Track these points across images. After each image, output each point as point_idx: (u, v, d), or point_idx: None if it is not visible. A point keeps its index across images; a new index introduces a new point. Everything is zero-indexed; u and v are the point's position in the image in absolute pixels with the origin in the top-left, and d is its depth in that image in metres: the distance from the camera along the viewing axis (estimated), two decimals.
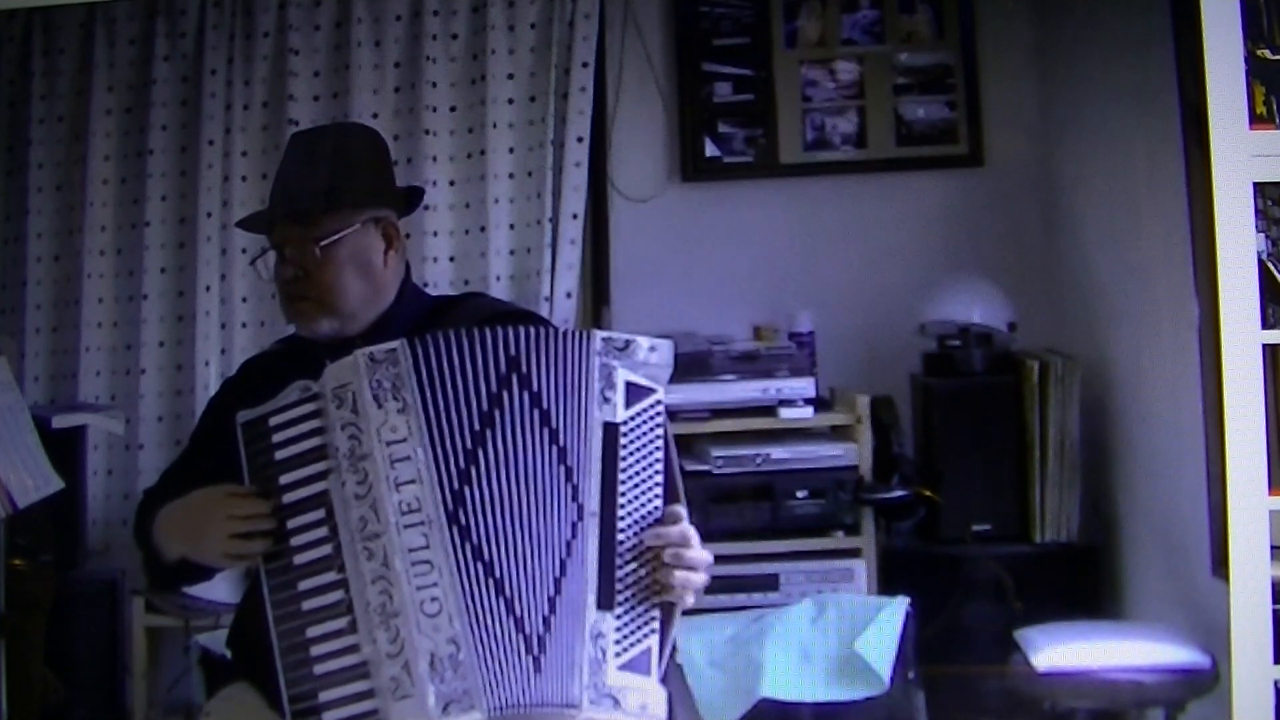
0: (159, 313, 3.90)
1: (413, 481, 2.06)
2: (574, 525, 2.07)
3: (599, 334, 2.13)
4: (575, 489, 2.08)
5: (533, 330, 2.12)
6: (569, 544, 2.07)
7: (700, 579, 2.12)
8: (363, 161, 2.43)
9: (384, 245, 2.38)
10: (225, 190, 3.89)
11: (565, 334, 2.13)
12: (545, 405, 2.09)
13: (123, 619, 3.63)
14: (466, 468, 2.07)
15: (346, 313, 2.35)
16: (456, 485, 2.06)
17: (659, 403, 2.15)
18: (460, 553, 2.04)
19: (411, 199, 2.56)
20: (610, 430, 2.10)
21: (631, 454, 2.12)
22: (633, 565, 2.10)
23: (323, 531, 2.08)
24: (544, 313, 3.77)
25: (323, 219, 2.33)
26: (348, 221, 2.35)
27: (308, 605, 2.06)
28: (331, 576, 2.07)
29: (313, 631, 2.05)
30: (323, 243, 2.32)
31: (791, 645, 3.25)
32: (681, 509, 2.14)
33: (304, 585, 2.07)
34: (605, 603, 2.07)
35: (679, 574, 2.09)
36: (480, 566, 2.04)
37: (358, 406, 2.08)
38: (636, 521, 2.11)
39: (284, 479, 2.11)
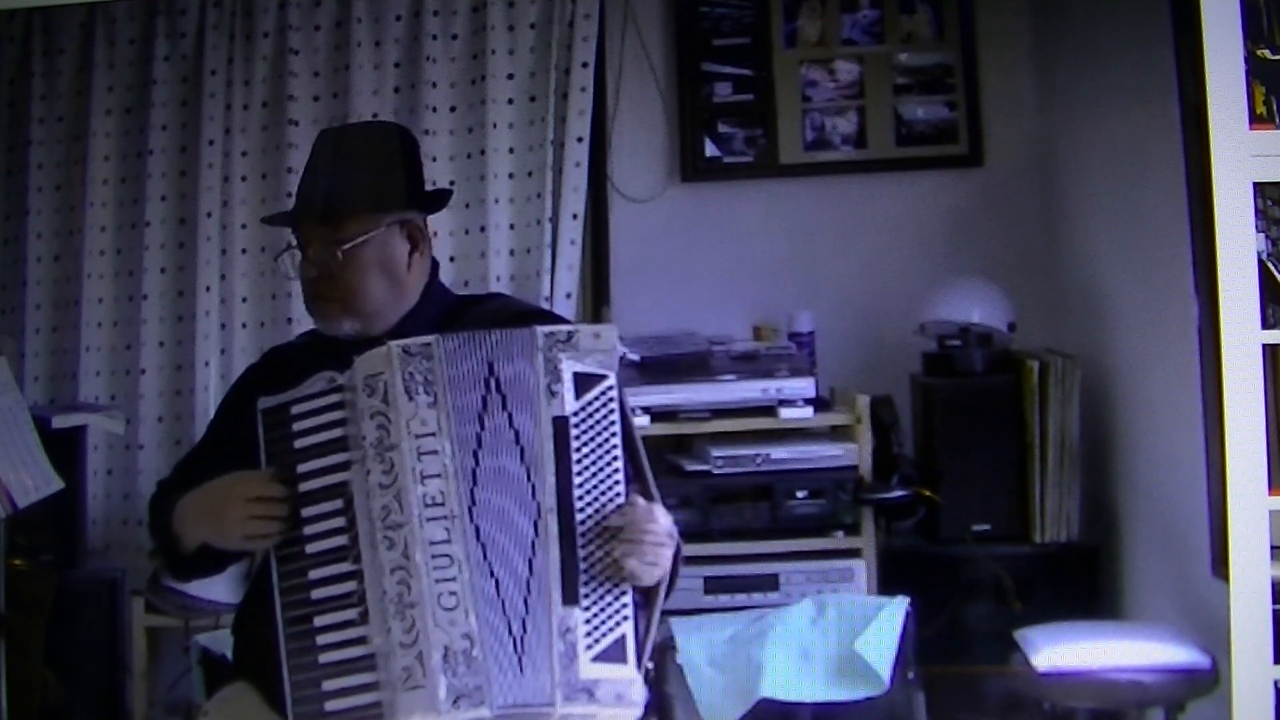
0: (159, 313, 3.90)
1: (438, 476, 2.09)
2: (535, 524, 2.10)
3: (541, 330, 2.16)
4: (534, 487, 2.11)
5: (499, 333, 2.15)
6: (533, 543, 2.10)
7: (659, 555, 2.14)
8: (391, 162, 2.42)
9: (409, 247, 2.39)
10: (225, 190, 3.89)
11: (515, 334, 2.16)
12: (509, 406, 2.13)
13: (123, 619, 3.63)
14: (475, 466, 2.09)
15: (368, 313, 2.35)
16: (472, 482, 2.09)
17: (611, 387, 2.17)
18: (476, 550, 2.05)
19: (438, 200, 2.56)
20: (560, 424, 2.13)
21: (586, 444, 2.14)
22: (596, 556, 2.12)
23: (339, 522, 2.11)
24: None
25: (347, 221, 2.34)
26: (373, 224, 2.35)
27: (318, 594, 2.09)
28: (345, 567, 2.09)
29: (321, 620, 2.08)
30: (346, 245, 2.33)
31: (791, 645, 3.25)
32: (638, 494, 2.16)
33: (315, 574, 2.10)
34: (570, 598, 2.09)
35: (631, 561, 2.11)
36: (487, 565, 2.06)
37: (389, 397, 2.10)
38: (598, 511, 2.13)
39: (302, 468, 2.14)
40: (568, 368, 2.14)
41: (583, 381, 2.15)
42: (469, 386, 2.12)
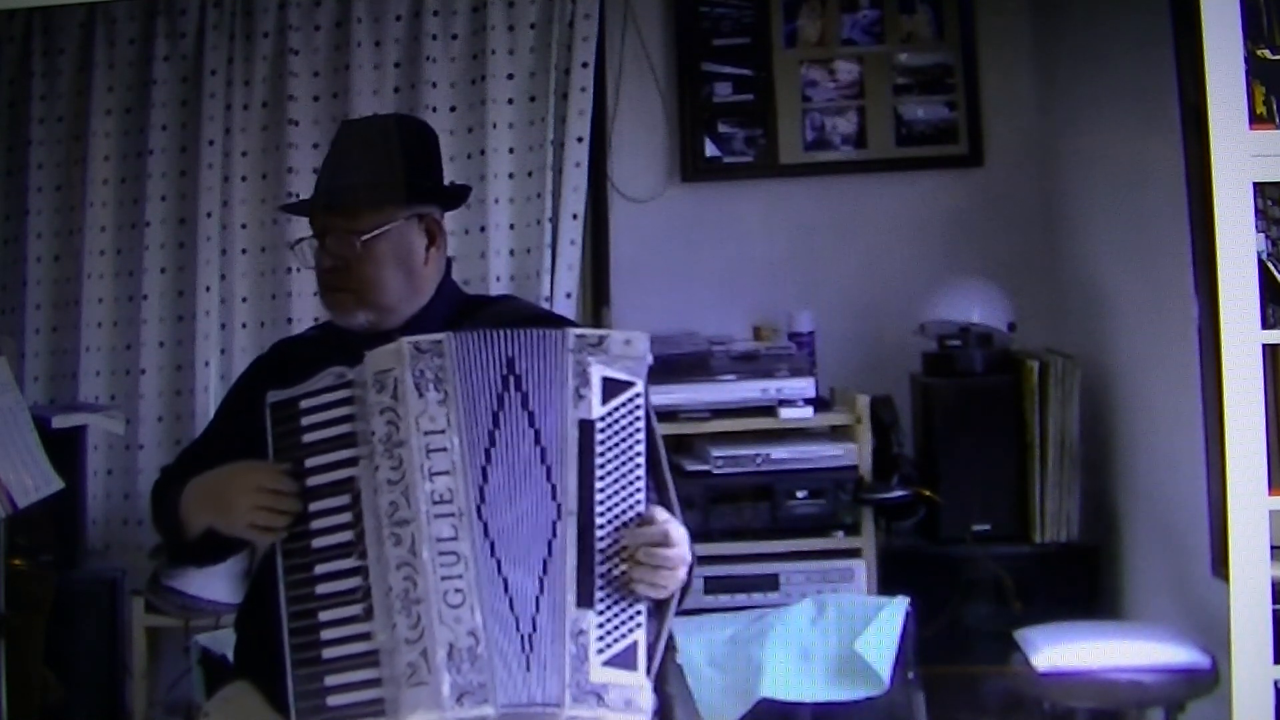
0: (159, 313, 3.90)
1: (446, 473, 2.08)
2: (554, 524, 2.10)
3: (572, 331, 2.15)
4: (554, 488, 2.11)
5: (523, 332, 2.14)
6: (550, 544, 2.09)
7: (674, 576, 2.13)
8: (410, 156, 2.41)
9: (426, 241, 2.38)
10: (225, 190, 3.89)
11: (544, 334, 2.15)
12: (530, 406, 2.12)
13: (123, 619, 3.63)
14: (486, 464, 2.09)
15: (384, 307, 2.35)
16: (483, 480, 2.08)
17: (638, 395, 2.16)
18: (484, 547, 2.05)
19: (457, 196, 2.56)
20: (586, 427, 2.12)
21: (610, 449, 2.13)
22: (613, 562, 2.11)
23: (345, 517, 2.10)
24: None
25: (365, 213, 2.33)
26: (390, 217, 2.34)
27: (323, 589, 2.09)
28: (350, 563, 2.09)
29: (325, 616, 2.07)
30: (364, 237, 2.32)
31: (791, 645, 3.25)
32: (659, 509, 2.15)
33: (321, 569, 2.10)
34: (585, 601, 2.09)
35: (646, 572, 2.10)
36: (495, 564, 2.06)
37: (398, 393, 2.10)
38: (618, 516, 2.12)
39: (310, 462, 2.14)
40: (596, 372, 2.13)
41: (610, 387, 2.13)
42: (485, 384, 2.11)
